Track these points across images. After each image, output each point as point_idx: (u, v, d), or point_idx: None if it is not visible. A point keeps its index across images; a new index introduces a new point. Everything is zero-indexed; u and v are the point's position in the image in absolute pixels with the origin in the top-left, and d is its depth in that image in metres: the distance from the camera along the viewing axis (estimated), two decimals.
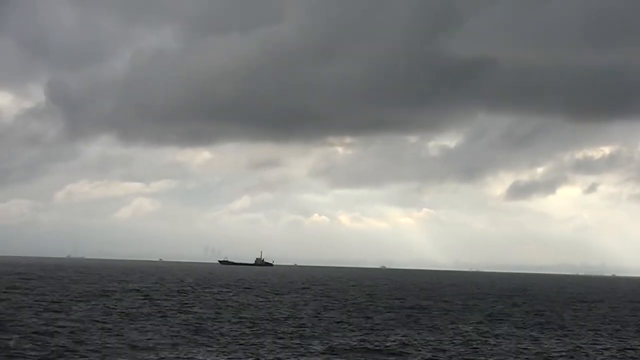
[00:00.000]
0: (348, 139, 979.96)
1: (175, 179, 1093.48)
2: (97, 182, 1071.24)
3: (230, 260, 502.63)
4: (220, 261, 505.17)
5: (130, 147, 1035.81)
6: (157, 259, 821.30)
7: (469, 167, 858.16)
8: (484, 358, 51.95)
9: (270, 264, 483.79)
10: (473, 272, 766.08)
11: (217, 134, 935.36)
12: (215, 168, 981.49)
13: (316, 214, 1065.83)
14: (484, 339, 61.92)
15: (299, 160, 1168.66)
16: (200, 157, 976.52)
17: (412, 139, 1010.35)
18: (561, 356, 54.03)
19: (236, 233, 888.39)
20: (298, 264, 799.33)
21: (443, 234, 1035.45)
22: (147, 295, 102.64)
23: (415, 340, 59.14)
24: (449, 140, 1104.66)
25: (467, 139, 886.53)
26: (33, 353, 47.17)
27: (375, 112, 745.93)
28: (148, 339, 54.28)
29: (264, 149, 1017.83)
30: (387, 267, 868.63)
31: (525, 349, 56.88)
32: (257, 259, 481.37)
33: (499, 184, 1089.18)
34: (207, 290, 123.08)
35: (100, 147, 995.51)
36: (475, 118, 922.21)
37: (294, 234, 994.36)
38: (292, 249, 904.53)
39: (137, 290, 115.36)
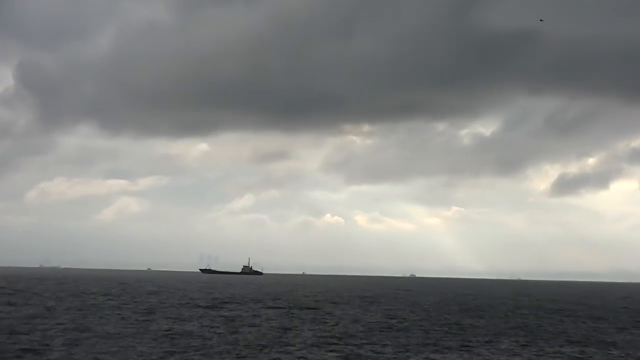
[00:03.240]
0: (367, 127, 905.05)
1: (166, 174, 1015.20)
2: (76, 179, 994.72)
3: (213, 268, 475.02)
4: (201, 270, 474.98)
5: (115, 139, 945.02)
6: (145, 268, 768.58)
7: (507, 159, 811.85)
8: None
9: (260, 273, 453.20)
10: (514, 280, 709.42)
11: (215, 122, 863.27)
12: (214, 162, 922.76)
13: (329, 214, 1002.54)
14: None
15: (310, 152, 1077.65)
16: (196, 149, 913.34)
17: (441, 126, 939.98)
18: None
19: (237, 237, 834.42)
20: (307, 273, 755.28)
21: (476, 237, 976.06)
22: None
23: None
24: (484, 128, 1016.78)
25: (506, 125, 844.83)
26: None
27: (399, 95, 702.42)
28: None
29: (270, 140, 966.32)
30: (417, 275, 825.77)
31: None
32: (244, 266, 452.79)
33: (542, 178, 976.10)
34: None
35: (80, 138, 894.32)
36: (515, 101, 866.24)
37: (303, 237, 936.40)
38: (300, 255, 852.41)
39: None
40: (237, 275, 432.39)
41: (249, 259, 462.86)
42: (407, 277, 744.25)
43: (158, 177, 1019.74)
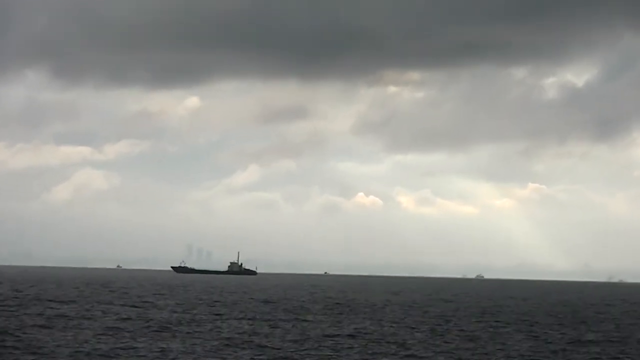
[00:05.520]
0: (415, 75, 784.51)
1: (143, 139, 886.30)
2: (20, 145, 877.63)
3: (189, 266, 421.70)
4: (173, 267, 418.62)
5: (73, 89, 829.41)
6: (115, 266, 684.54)
7: (606, 118, 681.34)
8: None
9: (253, 272, 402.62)
10: (615, 283, 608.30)
11: (209, 67, 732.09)
12: (207, 121, 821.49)
13: (362, 193, 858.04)
14: None
15: (338, 109, 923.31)
16: (182, 104, 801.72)
17: (519, 73, 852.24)
18: None
19: (239, 223, 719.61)
20: (330, 273, 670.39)
21: (562, 224, 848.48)
22: None
23: None
24: (575, 76, 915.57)
25: (605, 73, 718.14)
26: None
27: (460, 31, 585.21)
28: None
29: (284, 91, 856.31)
30: (485, 276, 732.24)
31: None
32: (231, 263, 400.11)
33: None
34: None
35: (25, 89, 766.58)
36: (618, 40, 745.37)
37: (327, 224, 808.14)
38: (323, 248, 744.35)
39: None
40: (222, 275, 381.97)
41: (238, 253, 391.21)
42: (473, 279, 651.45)
43: (132, 143, 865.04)
